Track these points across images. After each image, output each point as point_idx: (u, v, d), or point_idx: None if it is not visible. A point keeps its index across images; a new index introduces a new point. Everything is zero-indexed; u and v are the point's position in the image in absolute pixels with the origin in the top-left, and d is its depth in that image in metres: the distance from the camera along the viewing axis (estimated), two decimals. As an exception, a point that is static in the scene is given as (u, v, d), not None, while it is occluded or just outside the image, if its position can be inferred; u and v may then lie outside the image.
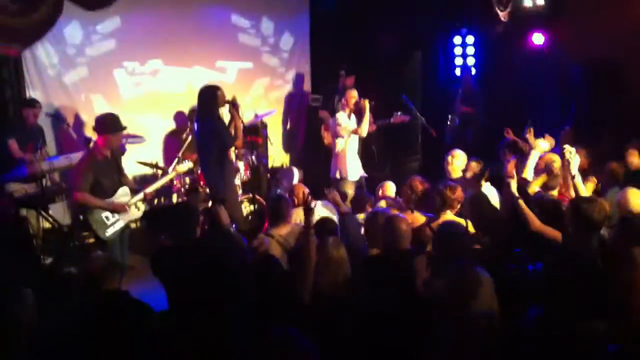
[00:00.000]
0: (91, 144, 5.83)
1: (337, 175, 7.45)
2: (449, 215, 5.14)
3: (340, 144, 7.42)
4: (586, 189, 5.21)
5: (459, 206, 5.20)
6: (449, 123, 9.24)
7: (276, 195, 5.57)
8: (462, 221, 4.84)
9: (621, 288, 3.29)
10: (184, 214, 4.55)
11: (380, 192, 6.55)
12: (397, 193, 6.53)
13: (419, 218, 5.25)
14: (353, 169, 7.43)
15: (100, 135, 5.71)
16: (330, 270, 3.80)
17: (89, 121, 7.82)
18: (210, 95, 6.37)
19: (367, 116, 7.35)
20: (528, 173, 5.58)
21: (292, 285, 3.76)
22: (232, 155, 6.82)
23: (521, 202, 4.79)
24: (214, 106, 6.33)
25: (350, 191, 7.25)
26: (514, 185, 5.00)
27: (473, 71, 9.87)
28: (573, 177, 4.88)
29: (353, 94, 7.47)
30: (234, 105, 6.39)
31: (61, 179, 7.21)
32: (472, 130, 9.26)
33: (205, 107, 6.35)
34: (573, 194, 4.97)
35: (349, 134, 7.35)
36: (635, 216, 4.63)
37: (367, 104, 7.33)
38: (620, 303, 3.24)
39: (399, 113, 8.16)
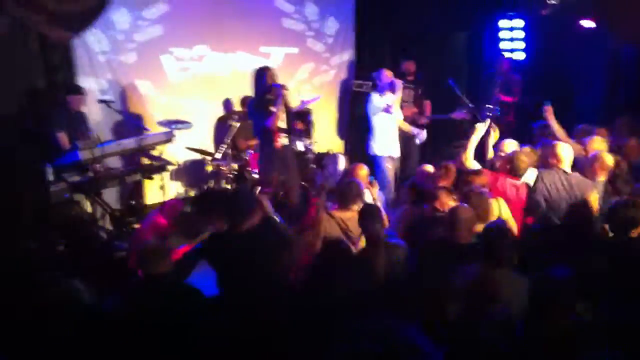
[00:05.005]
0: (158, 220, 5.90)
1: (372, 152, 7.58)
2: None
3: (375, 122, 7.61)
4: None
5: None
6: (487, 113, 8.92)
7: (348, 180, 5.67)
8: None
9: None
10: (238, 200, 4.62)
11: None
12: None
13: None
14: (387, 147, 7.50)
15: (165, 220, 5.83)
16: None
17: (139, 106, 7.98)
18: (256, 77, 6.68)
19: (398, 96, 7.57)
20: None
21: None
22: (283, 138, 6.86)
23: None
24: (259, 87, 6.59)
25: (389, 165, 7.50)
26: None
27: (518, 56, 9.68)
28: None
29: (388, 73, 7.63)
30: (278, 90, 6.52)
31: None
32: (513, 119, 9.03)
33: (253, 89, 6.66)
34: None
35: (380, 112, 7.55)
36: None
37: (400, 84, 7.56)
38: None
39: (462, 110, 8.32)
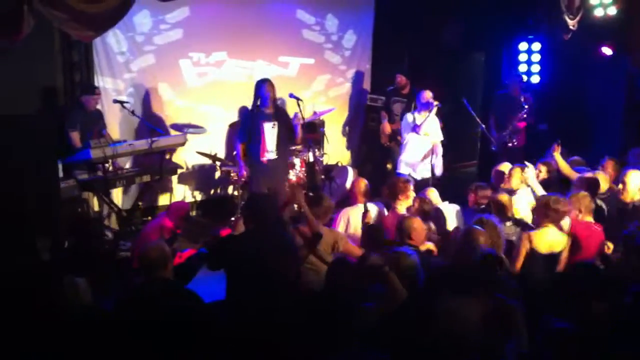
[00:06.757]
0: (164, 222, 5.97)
1: (397, 170, 7.65)
2: None
3: (404, 140, 7.68)
4: None
5: None
6: (506, 138, 8.82)
7: (317, 194, 5.62)
8: None
9: None
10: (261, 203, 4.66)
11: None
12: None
13: None
14: (409, 167, 7.54)
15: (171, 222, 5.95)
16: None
17: (154, 108, 8.05)
18: (255, 88, 6.86)
19: (430, 118, 7.50)
20: None
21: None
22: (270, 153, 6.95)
23: None
24: (255, 99, 6.79)
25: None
26: None
27: (535, 79, 9.68)
28: None
29: (428, 94, 7.61)
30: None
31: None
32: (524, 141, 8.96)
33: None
34: None
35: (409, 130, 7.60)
36: None
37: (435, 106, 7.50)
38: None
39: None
